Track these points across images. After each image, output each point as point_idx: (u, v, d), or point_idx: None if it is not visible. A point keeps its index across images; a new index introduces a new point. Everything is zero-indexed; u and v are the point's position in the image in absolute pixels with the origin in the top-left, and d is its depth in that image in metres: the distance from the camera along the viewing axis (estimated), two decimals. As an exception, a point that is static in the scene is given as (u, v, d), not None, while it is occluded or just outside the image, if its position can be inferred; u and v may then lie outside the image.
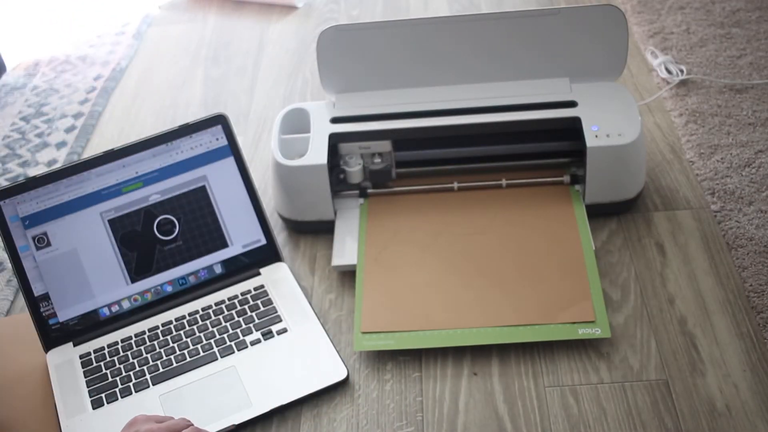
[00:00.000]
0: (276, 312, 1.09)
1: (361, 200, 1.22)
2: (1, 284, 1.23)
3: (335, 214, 1.21)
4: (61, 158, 1.47)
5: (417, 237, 1.15)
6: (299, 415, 0.98)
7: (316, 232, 1.22)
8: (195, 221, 1.13)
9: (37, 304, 1.08)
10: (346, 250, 1.16)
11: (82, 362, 1.06)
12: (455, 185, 1.22)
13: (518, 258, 1.11)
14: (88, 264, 1.10)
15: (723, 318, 1.04)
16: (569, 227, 1.13)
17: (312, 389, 0.99)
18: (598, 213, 1.18)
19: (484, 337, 1.02)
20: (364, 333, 1.04)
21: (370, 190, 1.23)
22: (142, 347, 1.07)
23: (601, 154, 1.13)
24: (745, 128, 1.31)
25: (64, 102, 1.63)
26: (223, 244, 1.14)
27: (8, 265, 1.25)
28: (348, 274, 1.16)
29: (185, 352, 1.05)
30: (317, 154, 1.17)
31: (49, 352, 1.08)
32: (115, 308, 1.11)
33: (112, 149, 1.13)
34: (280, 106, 1.50)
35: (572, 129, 1.17)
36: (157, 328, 1.09)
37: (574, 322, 1.01)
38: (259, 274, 1.14)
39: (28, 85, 1.71)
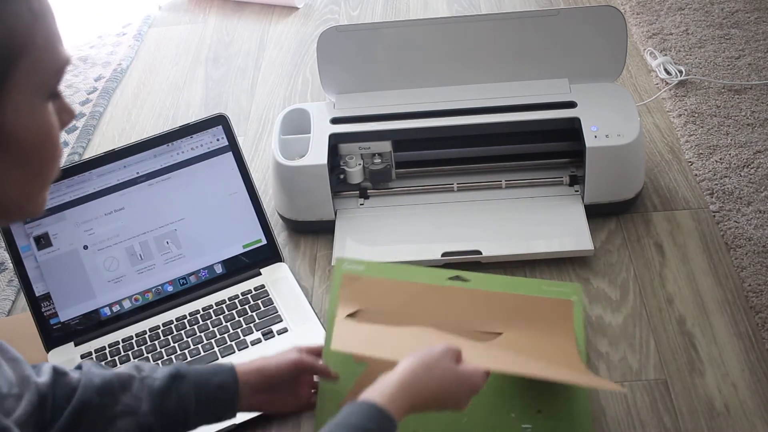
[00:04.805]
0: (276, 312, 1.09)
1: (361, 200, 1.23)
2: (3, 284, 1.23)
3: (335, 214, 1.21)
4: (63, 158, 1.47)
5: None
6: (300, 415, 0.98)
7: (316, 232, 1.23)
8: (196, 221, 1.14)
9: (38, 304, 1.09)
10: (346, 250, 1.16)
11: (83, 362, 1.07)
12: (455, 185, 1.22)
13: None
14: (89, 264, 1.10)
15: (722, 318, 1.04)
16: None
17: (312, 389, 1.00)
18: (597, 213, 1.18)
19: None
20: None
21: (370, 191, 1.23)
22: (143, 347, 1.07)
23: (601, 154, 1.13)
24: (743, 129, 1.31)
25: (65, 102, 1.63)
26: (224, 244, 1.14)
27: (10, 265, 1.25)
28: (348, 274, 1.16)
29: (186, 351, 1.06)
30: (317, 155, 1.17)
31: (51, 352, 1.08)
32: (116, 308, 1.11)
33: (113, 149, 1.13)
34: (281, 106, 1.51)
35: (571, 129, 1.18)
36: (158, 327, 1.09)
37: None
38: (259, 274, 1.14)
39: (29, 85, 1.71)
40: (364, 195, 1.23)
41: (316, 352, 0.92)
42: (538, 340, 0.94)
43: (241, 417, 0.97)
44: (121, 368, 0.84)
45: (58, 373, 0.80)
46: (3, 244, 1.23)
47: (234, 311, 1.10)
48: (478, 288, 0.99)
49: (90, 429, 0.79)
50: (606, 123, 1.15)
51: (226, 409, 0.86)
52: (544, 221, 1.17)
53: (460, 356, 0.80)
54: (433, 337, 0.92)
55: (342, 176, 1.23)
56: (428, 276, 1.00)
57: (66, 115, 0.59)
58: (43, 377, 0.78)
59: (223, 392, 0.84)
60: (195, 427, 0.85)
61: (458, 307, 0.97)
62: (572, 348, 0.93)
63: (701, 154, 1.28)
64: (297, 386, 0.91)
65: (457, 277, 1.00)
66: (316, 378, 0.93)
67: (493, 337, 0.94)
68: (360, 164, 1.22)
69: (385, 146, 1.21)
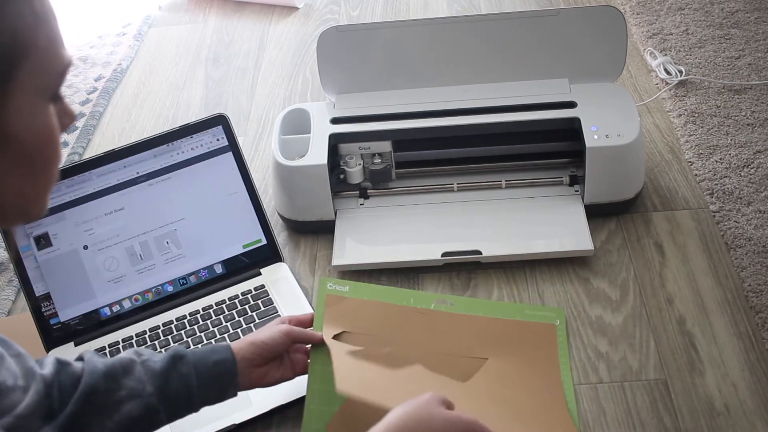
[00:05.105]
0: (276, 312, 1.09)
1: (361, 200, 1.23)
2: (3, 284, 1.23)
3: (335, 214, 1.21)
4: (63, 159, 1.47)
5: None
6: (300, 415, 0.98)
7: (316, 232, 1.23)
8: (196, 221, 1.14)
9: (38, 304, 1.09)
10: (346, 250, 1.17)
11: (83, 362, 1.07)
12: (455, 185, 1.22)
13: None
14: (89, 264, 1.10)
15: (722, 318, 1.04)
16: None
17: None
18: (597, 213, 1.18)
19: None
20: None
21: (370, 191, 1.23)
22: (143, 347, 1.07)
23: (601, 154, 1.13)
24: (743, 129, 1.31)
25: (65, 102, 1.63)
26: (224, 244, 1.14)
27: (10, 265, 1.25)
28: (348, 274, 1.16)
29: (186, 351, 1.06)
30: (317, 155, 1.17)
31: (51, 352, 1.08)
32: (116, 308, 1.11)
33: (113, 149, 1.13)
34: (281, 106, 1.51)
35: (571, 129, 1.18)
36: (158, 327, 1.09)
37: None
38: (259, 274, 1.14)
39: (29, 85, 1.71)
40: (364, 195, 1.23)
41: (301, 322, 0.95)
42: (522, 367, 0.94)
43: (241, 416, 0.97)
44: (122, 354, 0.87)
45: (61, 364, 0.82)
46: (3, 244, 1.24)
47: (234, 311, 1.10)
48: (462, 312, 0.99)
49: (97, 414, 0.81)
50: (606, 123, 1.15)
51: (227, 386, 0.88)
52: (544, 221, 1.17)
53: (447, 401, 0.80)
54: (425, 380, 0.92)
55: (342, 176, 1.23)
56: (413, 299, 1.01)
57: (67, 118, 0.60)
58: (47, 368, 0.80)
59: (222, 368, 0.87)
60: (199, 407, 0.87)
61: (443, 332, 0.98)
62: (555, 376, 0.94)
63: (701, 154, 1.28)
64: (291, 354, 0.93)
65: (441, 300, 1.00)
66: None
67: (478, 362, 0.94)
68: (360, 164, 1.22)
69: (385, 146, 1.21)
